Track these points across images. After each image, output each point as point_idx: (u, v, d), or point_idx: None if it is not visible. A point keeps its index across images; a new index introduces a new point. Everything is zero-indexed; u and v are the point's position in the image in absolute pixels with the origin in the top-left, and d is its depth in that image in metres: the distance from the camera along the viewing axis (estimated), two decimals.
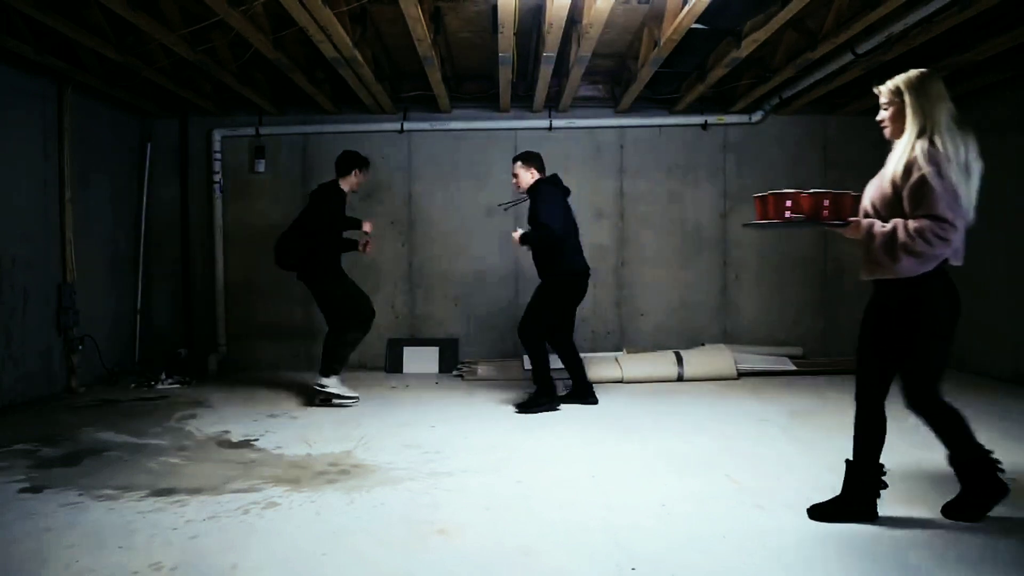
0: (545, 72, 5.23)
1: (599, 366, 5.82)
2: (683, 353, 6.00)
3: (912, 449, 3.71)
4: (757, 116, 6.46)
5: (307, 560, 2.45)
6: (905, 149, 2.55)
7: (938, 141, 2.49)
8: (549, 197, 4.68)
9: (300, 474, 3.40)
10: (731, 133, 6.60)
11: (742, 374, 5.92)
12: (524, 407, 4.71)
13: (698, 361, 5.92)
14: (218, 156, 6.46)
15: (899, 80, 2.63)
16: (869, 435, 2.84)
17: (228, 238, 6.54)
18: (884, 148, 7.38)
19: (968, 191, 2.50)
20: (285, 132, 6.52)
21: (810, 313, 6.65)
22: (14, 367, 4.93)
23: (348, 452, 3.78)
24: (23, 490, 3.18)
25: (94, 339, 5.70)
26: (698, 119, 6.52)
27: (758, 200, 2.86)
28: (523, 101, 6.36)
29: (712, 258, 6.64)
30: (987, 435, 3.97)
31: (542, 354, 4.73)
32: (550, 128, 6.50)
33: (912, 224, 2.48)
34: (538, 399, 4.72)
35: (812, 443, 3.89)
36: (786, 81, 5.59)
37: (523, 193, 4.86)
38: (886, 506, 2.80)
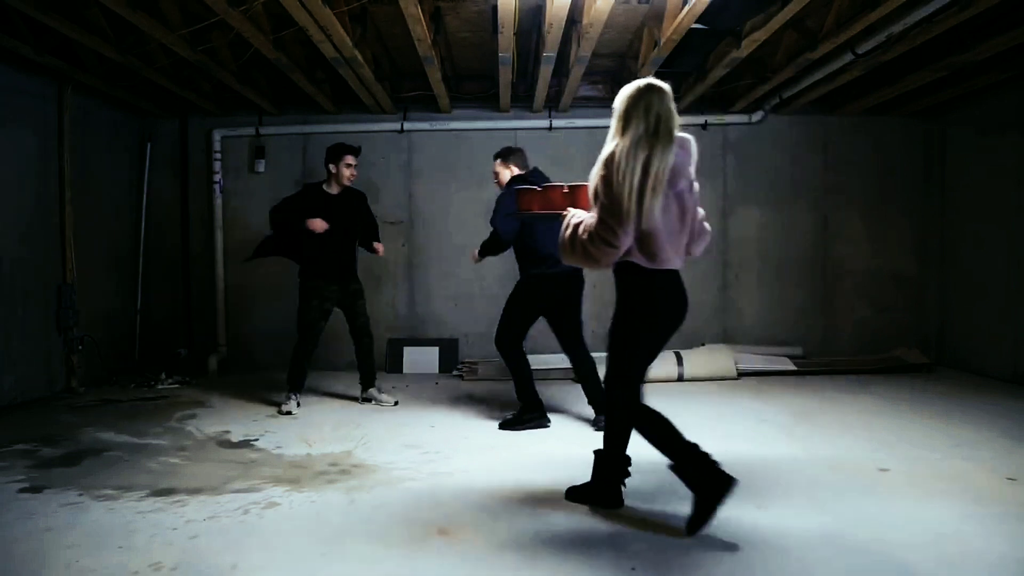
0: (545, 72, 5.23)
1: (599, 366, 5.81)
2: (683, 353, 6.00)
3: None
4: (757, 116, 6.46)
5: (307, 560, 2.45)
6: (602, 152, 2.66)
7: (619, 149, 2.55)
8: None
9: (300, 474, 3.40)
10: (731, 133, 6.60)
11: (742, 374, 5.92)
12: (508, 424, 4.30)
13: (698, 361, 5.92)
14: (218, 156, 6.46)
15: (626, 86, 2.73)
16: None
17: (228, 238, 6.53)
18: (884, 148, 7.39)
19: (646, 201, 2.52)
20: (285, 132, 6.52)
21: (810, 313, 6.65)
22: (14, 367, 4.93)
23: (348, 452, 3.78)
24: (23, 490, 3.18)
25: (94, 339, 5.70)
26: (698, 119, 6.51)
27: (516, 192, 3.25)
28: (523, 101, 6.36)
29: (712, 258, 6.63)
30: (987, 434, 3.99)
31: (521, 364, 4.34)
32: (550, 128, 6.50)
33: (586, 221, 2.64)
34: (523, 415, 4.30)
35: (812, 443, 3.89)
36: (786, 81, 5.59)
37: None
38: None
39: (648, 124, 2.58)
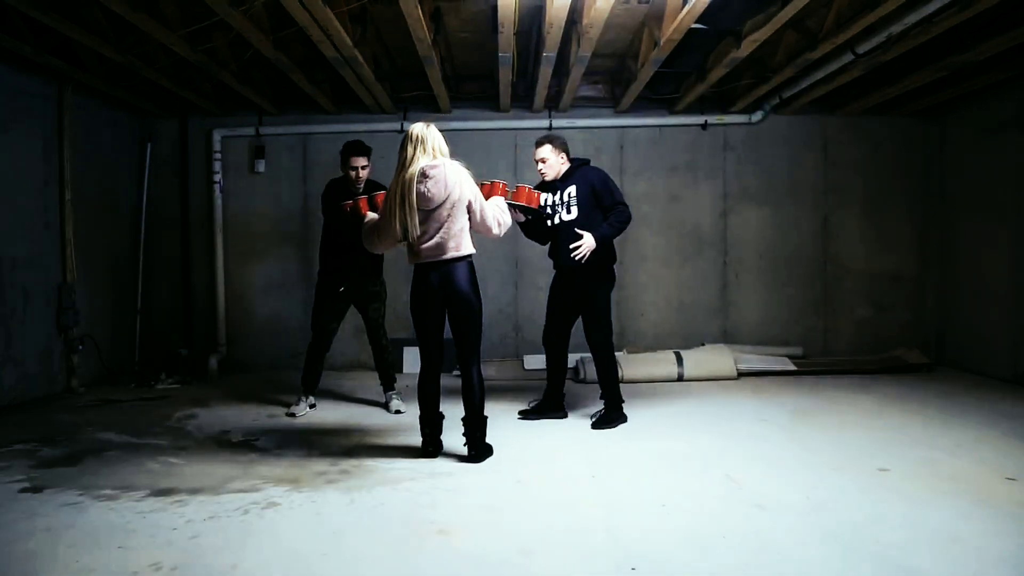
0: (545, 72, 5.22)
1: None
2: (683, 353, 6.00)
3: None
4: (757, 116, 6.46)
5: (307, 560, 2.45)
6: None
7: (392, 181, 3.48)
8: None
9: (300, 474, 3.40)
10: (731, 133, 6.60)
11: (742, 374, 5.91)
12: (600, 423, 4.26)
13: (698, 361, 5.92)
14: (218, 156, 6.46)
15: None
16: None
17: (228, 238, 6.53)
18: (884, 148, 7.39)
19: (407, 222, 3.40)
20: (285, 132, 6.52)
21: (810, 313, 6.65)
22: (14, 367, 4.93)
23: (348, 452, 3.78)
24: (23, 490, 3.18)
25: (94, 339, 5.70)
26: (698, 119, 6.51)
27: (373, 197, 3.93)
28: (523, 101, 6.36)
29: (712, 258, 6.64)
30: (987, 434, 3.99)
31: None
32: (550, 128, 6.49)
33: None
34: (611, 414, 4.31)
35: (813, 442, 3.89)
36: (786, 81, 5.59)
37: (556, 181, 4.29)
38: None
39: (403, 162, 3.42)
